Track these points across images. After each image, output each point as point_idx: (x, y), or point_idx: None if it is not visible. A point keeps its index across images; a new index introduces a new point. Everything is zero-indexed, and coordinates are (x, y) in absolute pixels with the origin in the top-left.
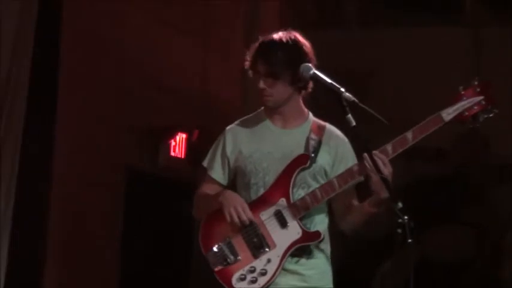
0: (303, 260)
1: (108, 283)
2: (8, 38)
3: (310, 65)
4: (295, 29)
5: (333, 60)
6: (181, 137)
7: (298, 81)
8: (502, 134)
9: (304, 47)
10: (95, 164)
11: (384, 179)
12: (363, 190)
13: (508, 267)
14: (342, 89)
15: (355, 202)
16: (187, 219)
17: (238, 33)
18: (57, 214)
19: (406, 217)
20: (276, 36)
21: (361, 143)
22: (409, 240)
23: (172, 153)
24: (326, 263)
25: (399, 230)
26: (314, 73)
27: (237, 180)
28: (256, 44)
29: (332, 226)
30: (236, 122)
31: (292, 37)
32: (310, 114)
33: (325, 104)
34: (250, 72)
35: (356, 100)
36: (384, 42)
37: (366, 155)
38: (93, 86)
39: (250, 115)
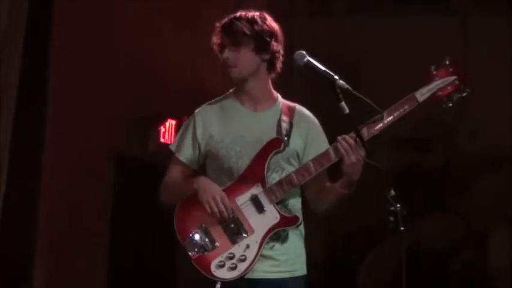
0: (277, 246)
1: (97, 268)
2: None
3: (304, 52)
4: (285, 18)
5: (322, 49)
6: (170, 123)
7: (263, 51)
8: (490, 124)
9: (268, 21)
10: (85, 150)
11: (374, 167)
12: (334, 171)
13: (496, 257)
14: (336, 77)
15: (328, 183)
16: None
17: None
18: (47, 202)
19: (398, 205)
20: (242, 11)
21: (353, 128)
22: (402, 228)
23: (161, 140)
24: (299, 248)
25: (391, 218)
26: (308, 60)
27: (207, 163)
28: (224, 19)
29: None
30: (205, 105)
31: (257, 12)
32: (279, 96)
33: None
34: (219, 56)
35: (350, 88)
36: (372, 31)
37: (339, 137)
38: (84, 74)
39: (219, 97)
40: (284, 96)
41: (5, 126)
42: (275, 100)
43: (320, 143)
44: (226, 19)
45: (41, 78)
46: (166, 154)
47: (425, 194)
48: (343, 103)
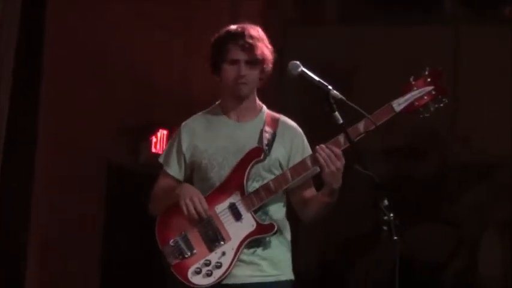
0: (259, 251)
1: (90, 276)
2: None
3: (298, 62)
4: (277, 26)
5: (314, 58)
6: (162, 133)
7: (263, 71)
8: (479, 132)
9: (267, 41)
10: (76, 160)
11: (370, 176)
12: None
13: (488, 265)
14: (330, 87)
15: (313, 192)
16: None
17: (219, 29)
18: (39, 211)
19: (391, 215)
20: (246, 26)
21: (348, 138)
22: (395, 238)
23: (153, 150)
24: (282, 253)
25: (385, 228)
26: (302, 71)
27: (193, 175)
28: (228, 34)
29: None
30: (192, 117)
31: (260, 29)
32: (264, 107)
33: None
34: (224, 65)
35: (344, 98)
36: (364, 41)
37: (318, 147)
38: (76, 83)
39: (206, 110)
40: (272, 103)
41: None
42: (259, 111)
43: (304, 153)
44: (238, 30)
45: (33, 88)
46: (157, 165)
47: (417, 203)
48: (336, 113)
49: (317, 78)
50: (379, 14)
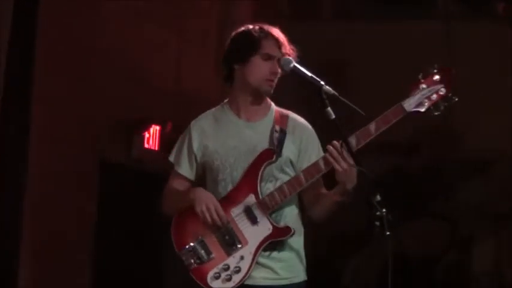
0: (274, 253)
1: (82, 276)
2: None
3: (290, 58)
4: (269, 21)
5: (306, 54)
6: (155, 129)
7: None
8: (474, 128)
9: None
10: (69, 156)
11: (360, 172)
12: (330, 179)
13: (481, 260)
14: (322, 82)
15: (323, 191)
16: (161, 211)
17: (212, 25)
18: (31, 208)
19: (384, 210)
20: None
21: (339, 134)
22: (387, 233)
23: (146, 145)
24: (296, 255)
25: (377, 223)
26: (295, 66)
27: (206, 175)
28: (262, 29)
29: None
30: (201, 116)
31: None
32: (273, 104)
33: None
34: (256, 59)
35: (336, 93)
36: (357, 36)
37: (328, 146)
38: (68, 79)
39: (215, 108)
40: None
41: None
42: (269, 109)
43: (314, 149)
44: (270, 27)
45: (25, 84)
46: (150, 160)
47: (411, 198)
48: (329, 109)
49: (309, 74)
50: (373, 9)
